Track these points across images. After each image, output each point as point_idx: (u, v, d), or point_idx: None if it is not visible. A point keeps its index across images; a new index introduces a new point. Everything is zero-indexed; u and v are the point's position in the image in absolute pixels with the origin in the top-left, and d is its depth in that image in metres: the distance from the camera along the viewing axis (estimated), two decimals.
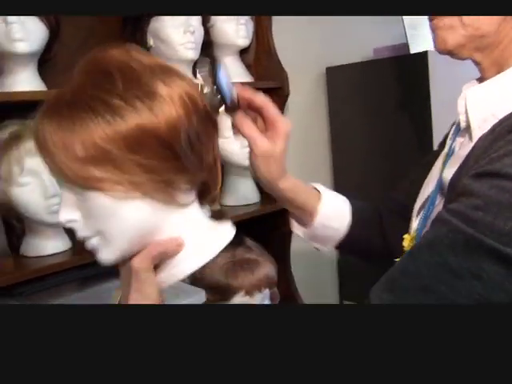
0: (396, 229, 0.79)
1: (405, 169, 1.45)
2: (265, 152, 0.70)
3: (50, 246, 1.03)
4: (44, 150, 0.52)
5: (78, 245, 1.05)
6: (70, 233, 0.65)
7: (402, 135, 1.53)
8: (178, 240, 0.57)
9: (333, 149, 1.80)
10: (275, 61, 1.42)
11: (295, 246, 1.51)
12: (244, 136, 0.70)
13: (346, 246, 0.87)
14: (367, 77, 1.61)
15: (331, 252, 0.89)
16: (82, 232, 0.56)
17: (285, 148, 0.71)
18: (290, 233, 1.45)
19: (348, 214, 0.85)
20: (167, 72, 0.55)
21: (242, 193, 1.38)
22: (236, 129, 0.70)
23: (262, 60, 1.45)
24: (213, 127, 0.59)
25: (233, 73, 1.33)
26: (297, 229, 0.87)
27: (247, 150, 1.26)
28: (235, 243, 1.16)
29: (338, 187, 1.76)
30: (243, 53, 1.42)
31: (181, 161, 0.54)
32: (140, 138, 0.51)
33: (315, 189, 0.84)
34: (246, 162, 1.37)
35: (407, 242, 0.71)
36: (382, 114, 1.58)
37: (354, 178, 1.72)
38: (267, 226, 1.47)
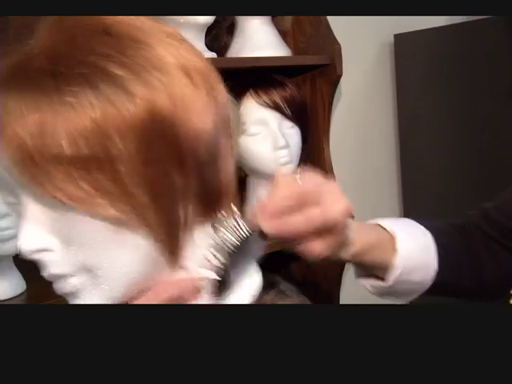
0: (496, 261, 0.81)
1: (508, 181, 1.41)
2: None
3: None
4: (6, 138, 0.47)
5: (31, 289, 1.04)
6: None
7: (506, 134, 1.47)
8: (196, 280, 0.55)
9: (402, 151, 1.77)
10: (323, 27, 1.39)
11: (348, 284, 1.48)
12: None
13: (432, 293, 0.89)
14: (456, 47, 1.58)
15: None
16: (57, 268, 0.52)
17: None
18: (340, 269, 1.44)
19: (434, 260, 0.86)
20: (178, 39, 0.53)
21: None
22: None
23: (304, 25, 1.43)
24: (230, 137, 0.57)
25: (262, 43, 1.31)
26: (363, 280, 0.88)
27: (283, 152, 1.22)
28: (263, 286, 1.15)
29: (409, 205, 1.73)
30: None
31: (200, 177, 0.52)
32: (154, 131, 0.48)
33: (384, 228, 0.84)
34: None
35: None
36: (477, 103, 1.54)
37: (432, 193, 1.68)
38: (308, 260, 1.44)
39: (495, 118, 1.50)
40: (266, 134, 1.25)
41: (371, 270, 0.83)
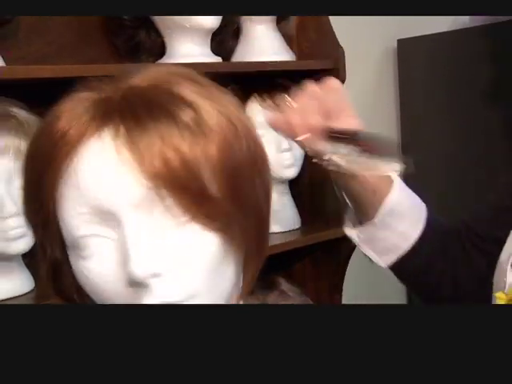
0: (473, 265, 0.83)
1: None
2: None
3: None
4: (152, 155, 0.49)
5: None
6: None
7: (508, 138, 1.48)
8: None
9: (404, 152, 1.76)
10: (327, 32, 1.40)
11: (350, 289, 1.47)
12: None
13: (408, 269, 0.88)
14: (458, 52, 1.58)
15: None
16: (167, 296, 0.52)
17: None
18: (342, 271, 1.44)
19: (422, 218, 0.86)
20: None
21: (277, 215, 1.37)
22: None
23: (308, 30, 1.43)
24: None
25: (266, 48, 1.32)
26: (350, 229, 0.89)
27: (286, 154, 1.23)
28: (266, 286, 1.15)
29: None
30: (282, 20, 1.41)
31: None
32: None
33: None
34: (284, 173, 1.34)
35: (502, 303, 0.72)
36: (474, 106, 1.55)
37: (434, 195, 1.67)
38: (310, 262, 1.44)
39: (497, 123, 1.50)
40: (269, 137, 1.25)
41: (361, 204, 0.84)
